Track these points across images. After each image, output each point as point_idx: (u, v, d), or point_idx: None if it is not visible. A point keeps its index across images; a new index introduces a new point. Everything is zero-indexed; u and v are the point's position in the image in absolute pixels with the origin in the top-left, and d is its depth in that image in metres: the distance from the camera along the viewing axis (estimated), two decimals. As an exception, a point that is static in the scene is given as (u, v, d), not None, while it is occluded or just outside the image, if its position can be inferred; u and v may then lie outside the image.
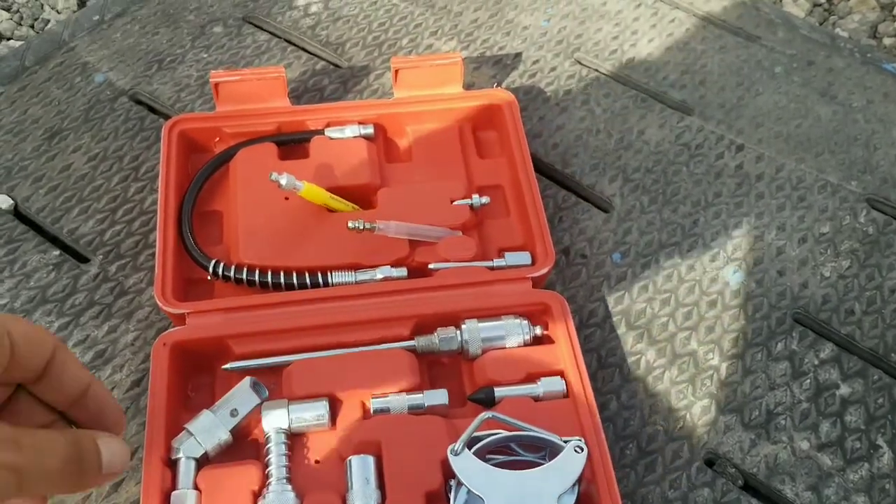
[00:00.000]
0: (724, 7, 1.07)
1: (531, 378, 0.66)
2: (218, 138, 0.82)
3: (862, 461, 0.69)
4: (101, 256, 0.78)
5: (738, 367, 0.74)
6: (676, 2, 1.07)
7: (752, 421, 0.71)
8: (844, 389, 0.73)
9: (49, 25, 1.24)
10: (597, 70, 0.99)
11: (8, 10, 1.30)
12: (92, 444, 0.43)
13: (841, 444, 0.70)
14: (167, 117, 0.89)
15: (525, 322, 0.69)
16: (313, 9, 1.03)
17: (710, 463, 0.69)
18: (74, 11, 1.23)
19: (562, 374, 0.67)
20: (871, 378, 0.74)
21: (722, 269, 0.80)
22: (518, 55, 0.99)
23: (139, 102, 0.92)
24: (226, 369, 0.66)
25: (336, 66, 0.97)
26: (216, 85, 0.80)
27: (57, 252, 0.78)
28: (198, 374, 0.68)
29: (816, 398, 0.73)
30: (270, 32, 1.00)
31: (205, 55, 0.96)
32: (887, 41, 1.21)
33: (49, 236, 0.80)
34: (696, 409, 0.71)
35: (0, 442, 0.38)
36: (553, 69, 0.98)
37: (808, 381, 0.73)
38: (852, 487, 0.68)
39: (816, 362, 0.75)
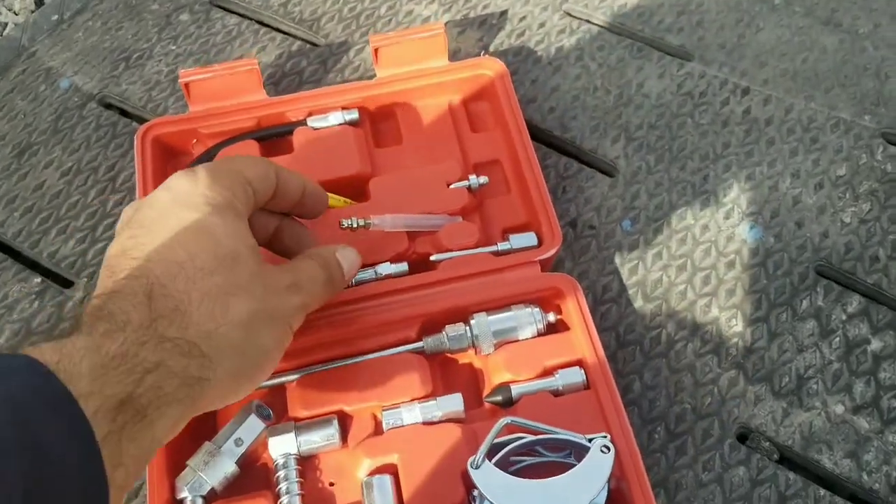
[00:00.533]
0: (715, -63, 1.00)
1: (549, 371, 0.63)
2: (195, 140, 0.77)
3: (901, 420, 0.66)
4: (85, 279, 0.74)
5: (763, 331, 0.70)
6: (665, -64, 1.00)
7: (783, 388, 0.68)
8: (876, 344, 0.70)
9: (7, 29, 1.17)
10: (588, 20, 0.93)
11: (-36, 13, 1.23)
12: (334, 260, 0.56)
13: (877, 405, 0.67)
14: (140, 120, 0.85)
15: (537, 310, 0.65)
16: (282, -16, 0.97)
17: (742, 438, 0.66)
18: (32, 11, 1.17)
19: (580, 363, 0.63)
20: (904, 329, 0.70)
21: (738, 225, 0.76)
22: (504, 13, 0.93)
23: (109, 106, 0.87)
24: (228, 393, 0.62)
25: (313, 44, 0.91)
26: (186, 85, 0.76)
27: (38, 279, 0.74)
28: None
29: (847, 356, 0.69)
30: (240, 14, 0.94)
31: (173, 47, 0.91)
32: (890, -46, 1.14)
33: (29, 262, 0.76)
34: (723, 381, 0.68)
35: (288, 288, 0.50)
36: (542, 25, 0.92)
37: (838, 338, 0.70)
38: (892, 450, 0.64)
39: (844, 317, 0.71)
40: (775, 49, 0.90)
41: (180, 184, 0.47)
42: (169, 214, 0.45)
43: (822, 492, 0.63)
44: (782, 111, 0.84)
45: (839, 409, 0.66)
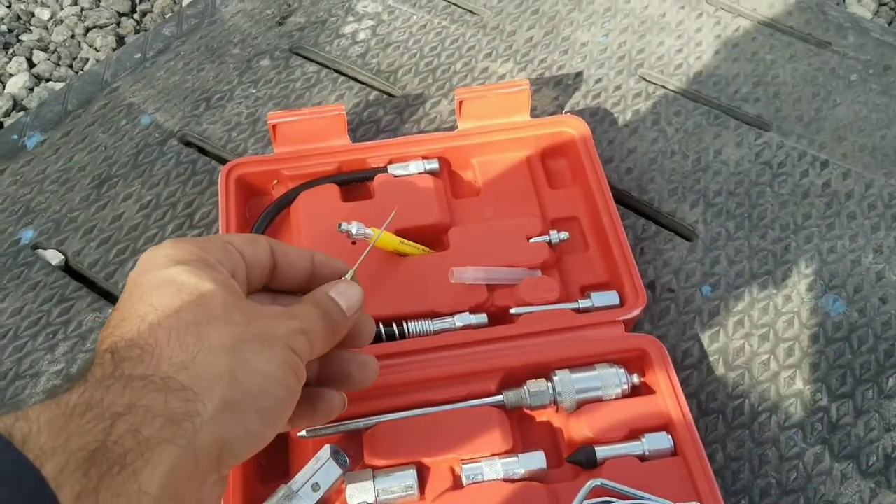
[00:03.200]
0: (788, 12, 1.01)
1: (633, 434, 0.61)
2: (276, 181, 0.77)
3: None
4: (160, 312, 0.73)
5: (849, 408, 0.68)
6: (739, 9, 1.01)
7: (871, 467, 0.65)
8: (967, 427, 0.67)
9: (89, 65, 1.20)
10: (663, 86, 0.93)
11: (45, 49, 1.27)
12: (327, 297, 0.48)
13: (971, 491, 0.64)
14: (219, 159, 0.85)
15: (622, 371, 0.63)
16: (361, 36, 0.99)
17: (829, 517, 0.63)
18: (114, 49, 1.20)
19: (667, 427, 0.61)
20: None
21: (821, 298, 0.75)
22: (579, 74, 0.94)
23: (189, 144, 0.88)
24: (302, 436, 0.61)
25: (390, 95, 0.92)
26: (274, 126, 0.76)
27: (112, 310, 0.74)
28: (270, 443, 0.63)
29: (938, 439, 0.67)
30: (319, 63, 0.96)
31: (253, 90, 0.92)
32: (961, 39, 1.14)
33: (103, 292, 0.76)
34: (809, 456, 0.66)
35: (279, 315, 0.44)
36: (618, 88, 0.93)
37: (927, 420, 0.68)
38: None
39: (933, 398, 0.69)
40: (853, 124, 0.89)
41: (144, 256, 0.44)
42: (134, 286, 0.42)
43: (915, 580, 0.60)
44: (862, 186, 0.83)
45: (931, 493, 0.64)
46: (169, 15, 1.28)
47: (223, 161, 0.84)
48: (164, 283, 0.41)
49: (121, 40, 1.27)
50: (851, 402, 0.68)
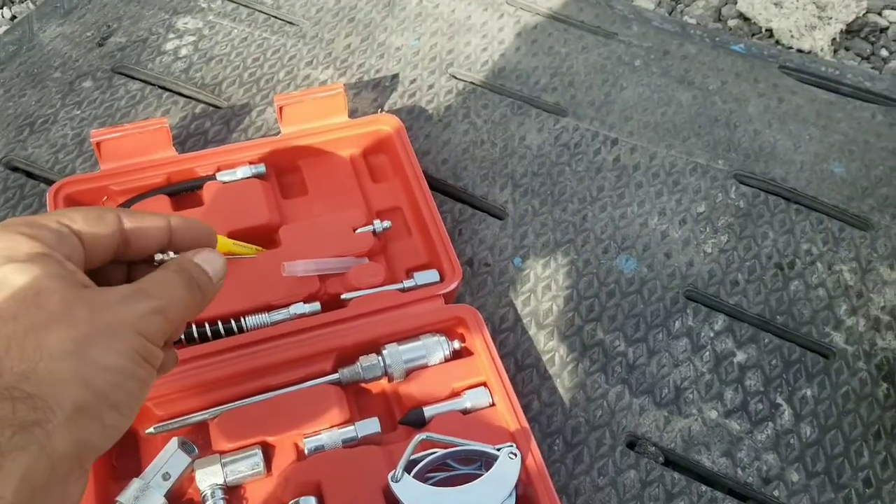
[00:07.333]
0: (580, 8, 1.12)
1: (457, 392, 0.69)
2: (106, 197, 0.80)
3: (766, 421, 0.75)
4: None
5: (643, 350, 0.79)
6: (536, 8, 1.11)
7: (664, 399, 0.76)
8: (740, 356, 0.79)
9: None
10: (472, 83, 1.02)
11: None
12: (193, 264, 0.47)
13: (745, 409, 0.76)
14: (47, 181, 0.87)
15: (443, 338, 0.71)
16: (183, 52, 1.02)
17: (631, 445, 0.73)
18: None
19: (485, 384, 0.69)
20: (762, 342, 0.80)
21: (615, 259, 0.85)
22: (395, 76, 1.01)
23: (15, 169, 0.88)
24: (149, 433, 0.65)
25: (216, 106, 0.96)
26: (97, 143, 0.79)
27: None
28: (120, 443, 0.66)
29: (717, 368, 0.78)
30: (143, 80, 0.98)
31: (77, 112, 0.94)
32: (731, 23, 1.29)
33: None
34: (612, 395, 0.75)
35: (127, 298, 0.42)
36: (431, 86, 1.00)
37: (707, 353, 0.79)
38: (761, 447, 0.73)
39: (712, 334, 0.80)
40: (638, 105, 1.01)
41: None
42: None
43: (704, 488, 0.71)
44: (647, 158, 0.95)
45: (713, 414, 0.75)
46: (-18, 41, 1.26)
47: (52, 183, 0.85)
48: None
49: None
50: (645, 345, 0.79)
